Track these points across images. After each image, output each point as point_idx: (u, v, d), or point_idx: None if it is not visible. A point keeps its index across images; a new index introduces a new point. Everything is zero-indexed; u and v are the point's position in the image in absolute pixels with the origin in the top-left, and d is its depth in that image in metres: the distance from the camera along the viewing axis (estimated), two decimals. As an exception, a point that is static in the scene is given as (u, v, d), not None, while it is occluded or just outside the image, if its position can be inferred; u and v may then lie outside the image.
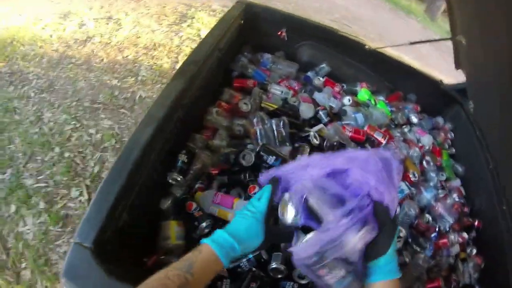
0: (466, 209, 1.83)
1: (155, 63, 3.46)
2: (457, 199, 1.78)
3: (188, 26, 4.12)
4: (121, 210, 0.94)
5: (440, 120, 2.22)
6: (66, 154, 2.50)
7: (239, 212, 0.87)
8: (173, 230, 1.16)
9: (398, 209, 0.86)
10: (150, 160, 1.06)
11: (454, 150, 2.15)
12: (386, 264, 0.80)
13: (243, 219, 0.84)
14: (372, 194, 0.83)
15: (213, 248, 0.77)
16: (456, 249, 1.64)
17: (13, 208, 2.19)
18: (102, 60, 3.34)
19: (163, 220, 1.19)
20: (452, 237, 1.62)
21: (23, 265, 1.99)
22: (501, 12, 1.24)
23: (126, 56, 3.45)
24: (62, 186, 2.33)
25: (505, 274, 1.48)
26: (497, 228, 1.61)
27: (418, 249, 1.50)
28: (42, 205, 2.22)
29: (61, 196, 2.28)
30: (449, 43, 1.96)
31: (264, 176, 0.95)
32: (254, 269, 1.15)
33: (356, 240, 0.76)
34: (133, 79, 3.21)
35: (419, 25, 8.38)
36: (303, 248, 0.79)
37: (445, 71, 5.69)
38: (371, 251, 0.80)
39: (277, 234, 0.88)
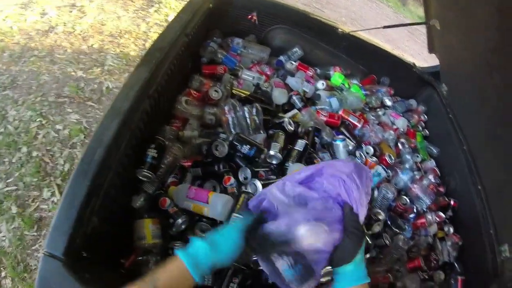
0: (441, 189, 1.86)
1: (121, 51, 3.31)
2: (433, 180, 1.81)
3: (155, 11, 3.95)
4: (89, 215, 0.89)
5: (413, 102, 2.24)
6: (34, 153, 2.39)
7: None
8: (148, 228, 1.11)
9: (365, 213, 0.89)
10: (116, 158, 1.00)
11: (427, 132, 2.18)
12: (353, 271, 0.80)
13: (222, 228, 0.82)
14: (343, 195, 0.85)
15: (181, 257, 0.74)
16: (434, 228, 1.67)
17: (-15, 215, 2.10)
18: (66, 50, 3.16)
19: (137, 219, 1.13)
20: (430, 217, 1.65)
21: (3, 273, 1.93)
22: None
23: (91, 45, 3.28)
24: (33, 187, 2.24)
25: (482, 250, 1.52)
26: (472, 207, 1.64)
27: (398, 230, 1.52)
28: (14, 209, 2.13)
29: (32, 198, 2.20)
30: (421, 27, 1.95)
31: (252, 201, 0.99)
32: (234, 263, 1.11)
33: (303, 232, 0.78)
34: (99, 69, 3.06)
35: (390, 10, 8.44)
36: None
37: (415, 54, 5.78)
38: (336, 257, 0.81)
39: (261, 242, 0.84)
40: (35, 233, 2.06)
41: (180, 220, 1.15)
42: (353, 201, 0.85)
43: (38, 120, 2.56)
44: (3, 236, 2.04)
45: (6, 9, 3.52)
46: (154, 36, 3.55)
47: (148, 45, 3.45)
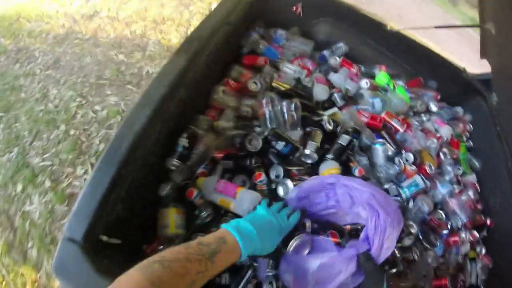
0: (479, 207, 1.72)
1: (163, 38, 3.34)
2: (472, 196, 1.67)
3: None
4: (113, 203, 0.87)
5: (459, 110, 2.07)
6: (72, 132, 2.47)
7: (265, 213, 0.94)
8: (172, 218, 1.09)
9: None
10: (146, 146, 0.97)
11: (472, 143, 2.01)
12: None
13: (270, 224, 0.91)
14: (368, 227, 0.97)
15: (238, 240, 0.79)
16: (466, 248, 1.55)
17: (19, 187, 2.20)
18: (109, 35, 3.25)
19: (163, 207, 1.11)
20: (463, 235, 1.53)
21: (30, 244, 2.00)
22: None
23: (134, 31, 3.35)
24: (68, 164, 2.32)
25: None
26: (510, 229, 1.52)
27: (429, 246, 1.42)
28: (48, 183, 2.21)
29: (66, 175, 2.27)
30: (472, 30, 1.80)
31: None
32: (255, 263, 1.06)
33: None
34: (140, 54, 3.12)
35: (440, 9, 8.04)
36: None
37: (464, 58, 5.45)
38: None
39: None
40: (65, 208, 2.12)
41: (205, 213, 1.12)
42: (376, 236, 0.93)
43: (78, 100, 2.65)
44: (35, 208, 2.12)
45: (52, -7, 3.67)
46: (196, 24, 3.57)
47: (190, 33, 3.46)
